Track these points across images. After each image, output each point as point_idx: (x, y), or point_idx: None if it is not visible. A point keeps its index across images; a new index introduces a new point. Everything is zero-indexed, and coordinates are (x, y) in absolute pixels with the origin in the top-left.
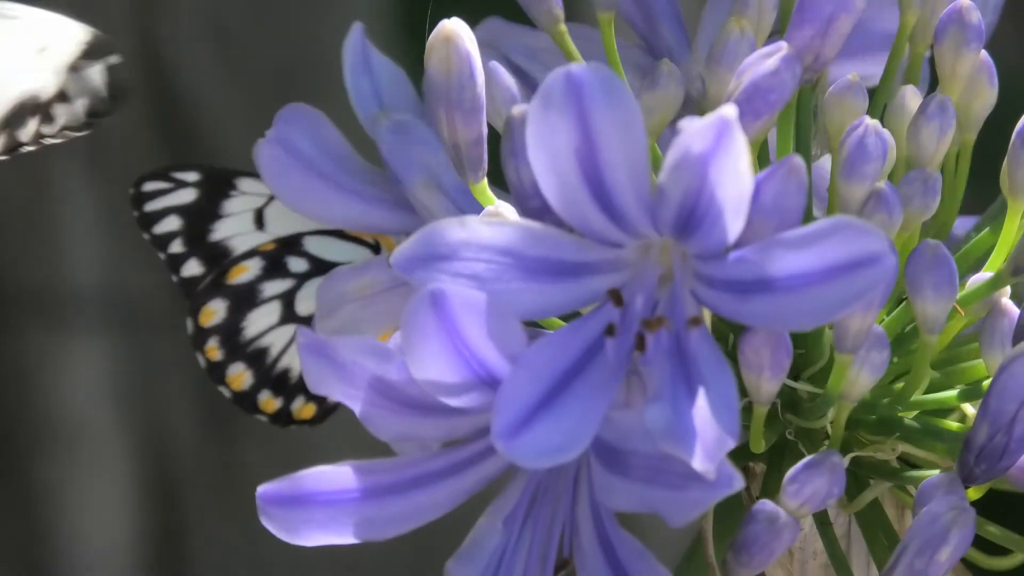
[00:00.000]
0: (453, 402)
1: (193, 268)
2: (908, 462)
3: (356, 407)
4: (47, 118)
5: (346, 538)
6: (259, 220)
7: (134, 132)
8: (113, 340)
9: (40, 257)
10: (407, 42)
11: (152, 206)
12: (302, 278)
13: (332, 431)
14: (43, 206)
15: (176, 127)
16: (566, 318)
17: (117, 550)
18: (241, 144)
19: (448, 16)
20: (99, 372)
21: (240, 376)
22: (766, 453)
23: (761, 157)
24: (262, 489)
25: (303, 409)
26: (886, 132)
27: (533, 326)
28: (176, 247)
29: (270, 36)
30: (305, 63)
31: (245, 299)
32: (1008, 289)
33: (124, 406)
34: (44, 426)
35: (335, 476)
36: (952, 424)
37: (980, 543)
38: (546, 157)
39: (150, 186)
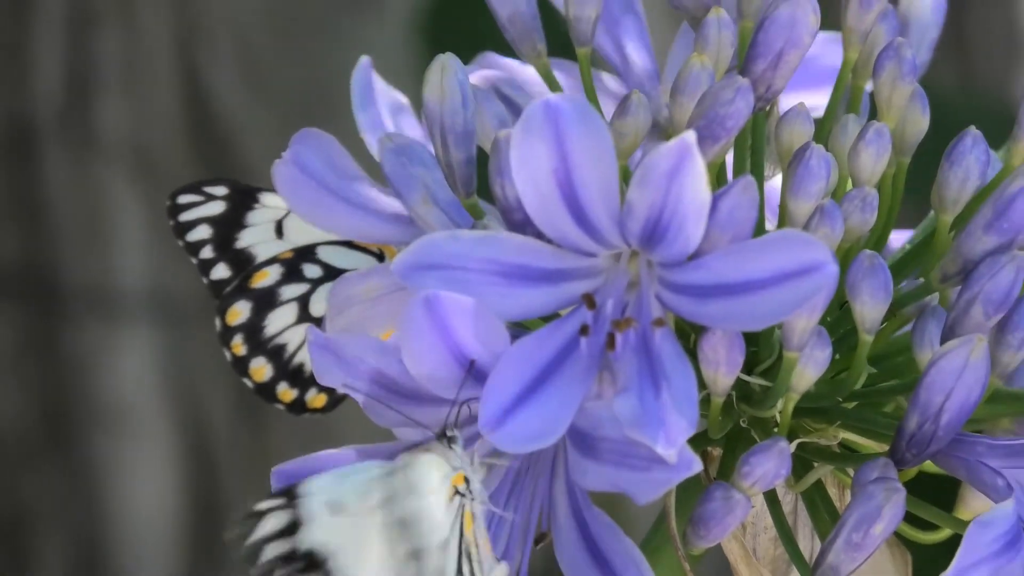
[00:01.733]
0: (444, 394)
1: (221, 272)
2: (847, 447)
3: (359, 398)
4: None
5: None
6: (279, 230)
7: (174, 149)
8: (158, 333)
9: (95, 260)
10: (416, 71)
11: (186, 216)
12: (316, 283)
13: (350, 417)
14: (98, 216)
15: (210, 144)
16: (545, 320)
17: (160, 517)
18: (267, 159)
19: (448, 50)
20: (145, 361)
21: (261, 369)
22: (722, 439)
23: (719, 176)
24: (276, 469)
25: (315, 399)
26: (830, 155)
27: (516, 326)
28: (206, 253)
29: (294, 65)
30: (325, 88)
31: (266, 301)
32: (937, 295)
33: (167, 391)
34: (97, 408)
35: (340, 459)
36: (886, 413)
37: (911, 519)
38: (527, 176)
39: (184, 199)
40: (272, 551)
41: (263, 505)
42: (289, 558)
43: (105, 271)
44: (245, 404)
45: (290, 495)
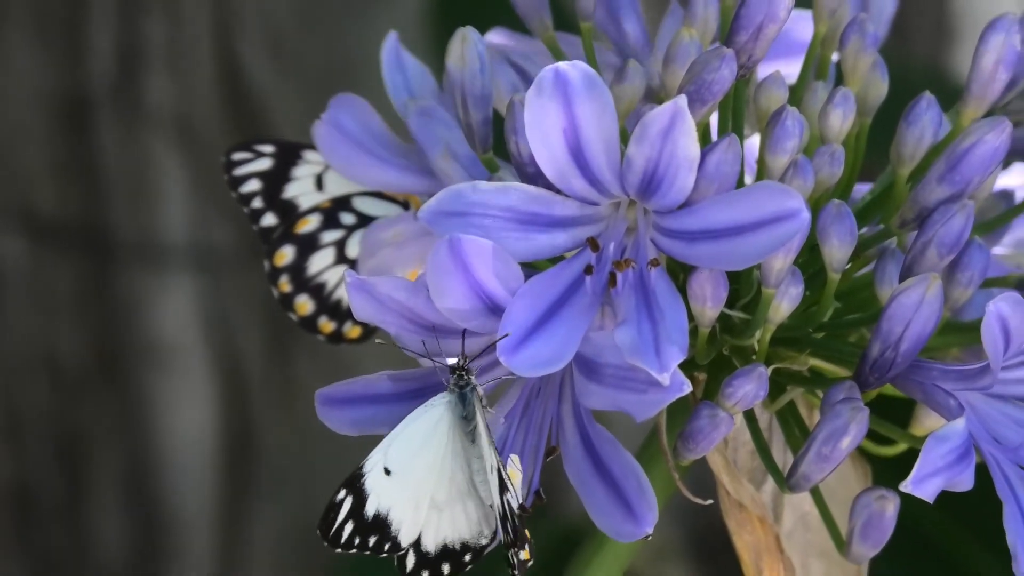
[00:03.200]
0: (466, 325)
1: (269, 220)
2: (817, 372)
3: (391, 330)
4: None
5: (382, 430)
6: (319, 183)
7: (211, 120)
8: (197, 279)
9: (143, 216)
10: (434, 46)
11: (238, 171)
12: (351, 229)
13: (366, 352)
14: (145, 178)
15: (242, 115)
16: (553, 261)
17: (199, 440)
18: (292, 128)
19: (465, 25)
20: (186, 304)
21: (304, 304)
22: (708, 365)
23: (705, 135)
24: (320, 392)
25: (351, 331)
26: (802, 116)
27: (528, 267)
28: (256, 203)
29: (316, 45)
30: (344, 65)
31: (308, 245)
32: (895, 239)
33: (205, 330)
34: (144, 345)
35: (375, 382)
36: (851, 343)
37: (872, 436)
38: (539, 134)
39: (237, 156)
40: (348, 529)
41: (338, 498)
42: (361, 530)
43: (151, 225)
44: (274, 342)
45: (353, 480)
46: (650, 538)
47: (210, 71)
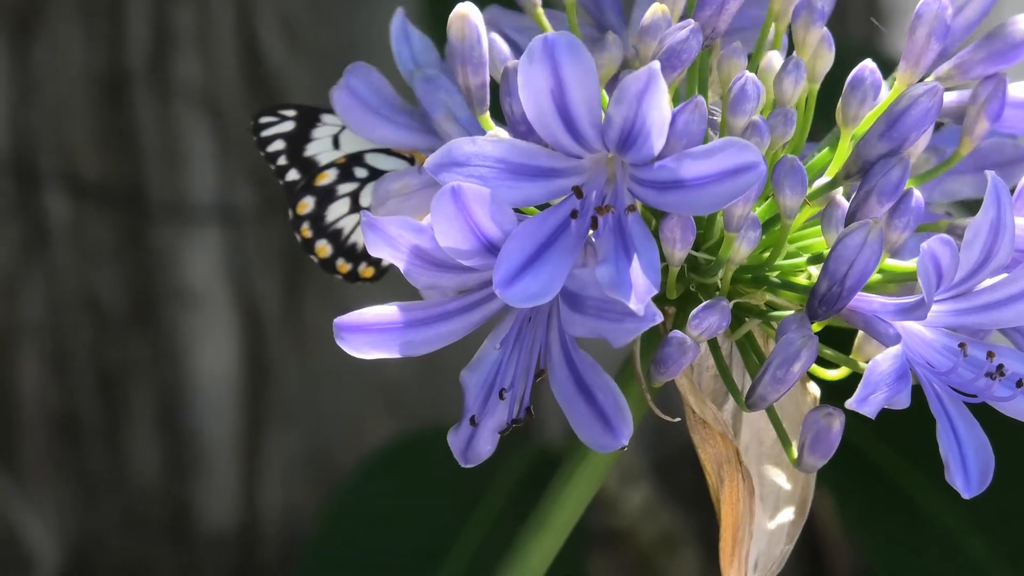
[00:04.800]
0: (466, 262)
1: (293, 175)
2: (772, 306)
3: (400, 266)
4: None
5: (393, 354)
6: (335, 142)
7: (233, 95)
8: (222, 233)
9: (174, 178)
10: (435, 21)
11: (265, 133)
12: (364, 182)
13: (368, 297)
14: (176, 145)
15: (260, 91)
16: (542, 207)
17: (224, 374)
18: (305, 100)
19: (450, 10)
20: (212, 255)
21: (324, 248)
22: (677, 300)
23: (675, 98)
24: (338, 320)
25: (365, 271)
26: (759, 82)
27: (520, 212)
28: (281, 161)
29: (326, 29)
30: (351, 46)
31: (327, 196)
32: (841, 188)
33: (229, 278)
34: (176, 290)
35: (387, 312)
36: (802, 280)
37: (819, 361)
38: (530, 95)
39: (264, 119)
40: None
41: None
42: None
43: (182, 186)
44: (289, 288)
45: None
46: (626, 449)
47: (232, 51)
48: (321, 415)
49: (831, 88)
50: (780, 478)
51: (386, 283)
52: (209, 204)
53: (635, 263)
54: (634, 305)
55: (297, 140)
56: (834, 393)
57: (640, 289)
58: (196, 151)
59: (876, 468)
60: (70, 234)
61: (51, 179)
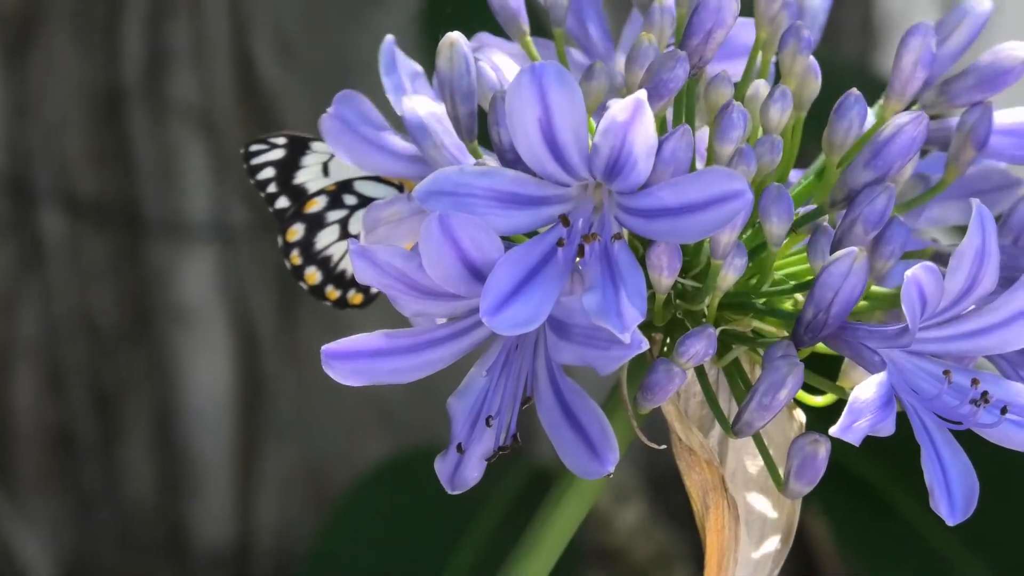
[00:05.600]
0: (454, 290)
1: (282, 202)
2: (759, 333)
3: (388, 293)
4: None
5: (381, 381)
6: (325, 170)
7: (228, 111)
8: (216, 251)
9: (169, 195)
10: (431, 44)
11: (255, 160)
12: (353, 209)
13: (365, 318)
14: (171, 162)
15: (255, 108)
16: (529, 235)
17: (217, 390)
18: (298, 119)
19: (453, 29)
20: (207, 272)
21: (313, 275)
22: (664, 326)
23: (662, 126)
24: (325, 348)
25: (354, 297)
26: (746, 110)
27: (507, 240)
28: (271, 188)
29: (320, 47)
30: (344, 65)
31: (316, 223)
32: (827, 216)
33: (223, 295)
34: (171, 307)
35: (374, 339)
36: (788, 307)
37: (805, 387)
38: (518, 124)
39: (253, 147)
40: None
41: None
42: None
43: (177, 203)
44: (283, 305)
45: None
46: (612, 476)
47: (227, 69)
48: (315, 432)
49: (823, 109)
50: (766, 505)
51: (382, 304)
52: (204, 222)
53: (622, 291)
54: (620, 333)
55: (287, 167)
56: (821, 418)
57: (626, 317)
58: (191, 169)
59: (868, 486)
60: (65, 251)
61: (46, 197)
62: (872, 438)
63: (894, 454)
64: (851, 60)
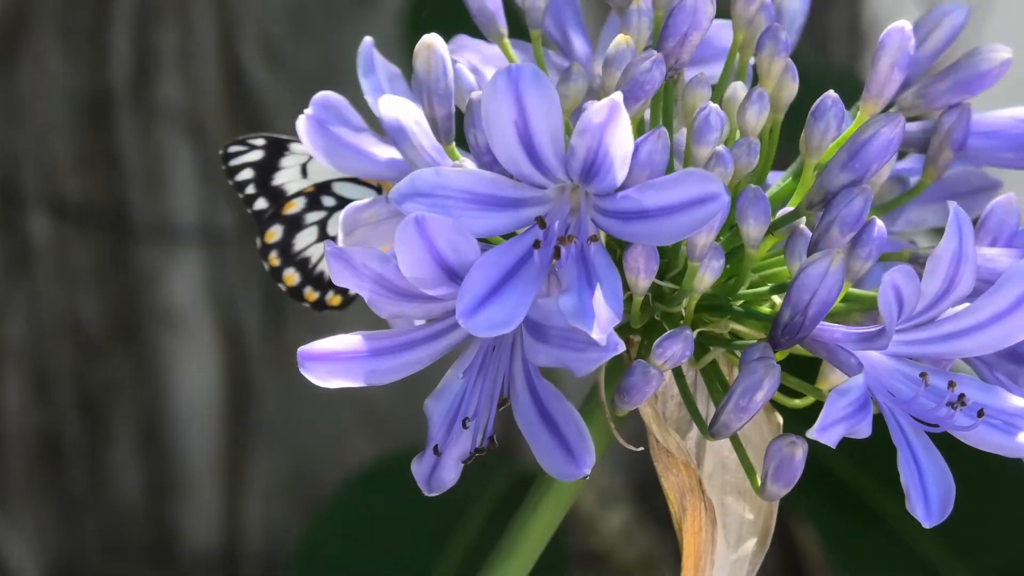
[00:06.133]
0: (430, 292)
1: (261, 204)
2: (736, 335)
3: (365, 295)
4: None
5: (358, 383)
6: (304, 171)
7: (216, 115)
8: (204, 255)
9: (157, 199)
10: (409, 49)
11: (234, 162)
12: (332, 210)
13: (352, 321)
14: (159, 166)
15: (243, 111)
16: (506, 236)
17: (205, 394)
18: (286, 122)
19: (431, 31)
20: (194, 276)
21: (292, 276)
22: (641, 328)
23: (639, 128)
24: (301, 349)
25: (332, 299)
26: (723, 112)
27: (483, 241)
28: (250, 190)
29: (306, 51)
30: (331, 68)
31: (295, 225)
32: (804, 218)
33: (210, 298)
34: (158, 311)
35: (351, 341)
36: (765, 309)
37: (783, 389)
38: (494, 126)
39: (232, 149)
40: None
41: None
42: None
43: (164, 207)
44: (271, 309)
45: None
46: (588, 478)
47: (215, 73)
48: (303, 435)
49: (807, 111)
50: (743, 507)
51: (368, 307)
52: (191, 225)
53: (598, 292)
54: (596, 334)
55: (266, 169)
56: (796, 420)
57: (602, 318)
58: (178, 172)
59: (854, 491)
60: (52, 255)
61: (34, 200)
62: (857, 443)
63: (879, 459)
64: (838, 63)
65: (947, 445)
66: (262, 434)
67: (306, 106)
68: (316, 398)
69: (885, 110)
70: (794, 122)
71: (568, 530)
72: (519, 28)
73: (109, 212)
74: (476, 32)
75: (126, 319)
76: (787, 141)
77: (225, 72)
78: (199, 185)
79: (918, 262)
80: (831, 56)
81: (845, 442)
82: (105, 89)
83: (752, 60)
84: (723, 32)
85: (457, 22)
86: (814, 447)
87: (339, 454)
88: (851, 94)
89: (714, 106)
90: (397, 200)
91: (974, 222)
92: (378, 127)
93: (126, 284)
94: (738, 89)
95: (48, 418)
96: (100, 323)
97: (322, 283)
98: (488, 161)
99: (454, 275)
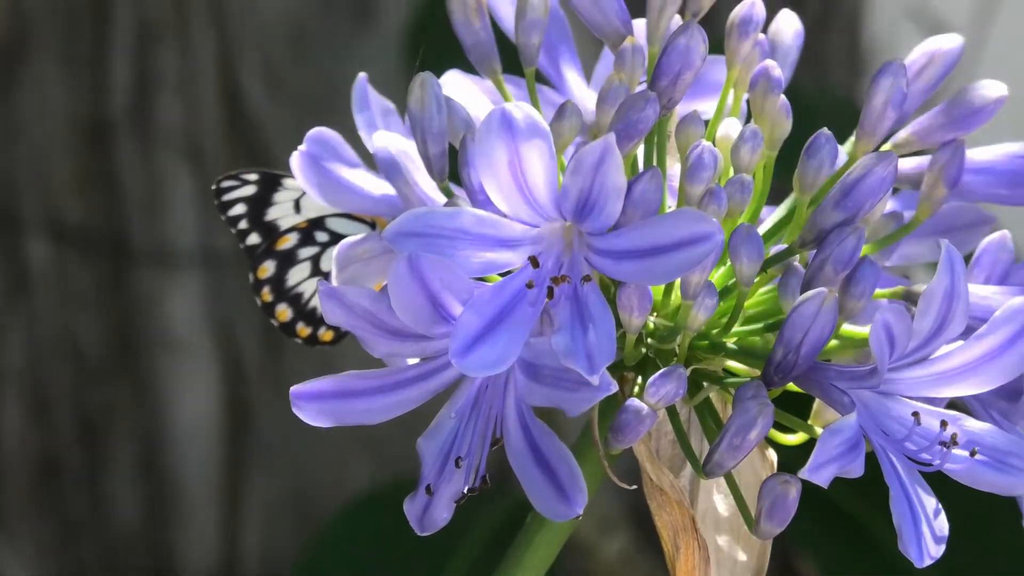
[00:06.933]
0: (423, 331)
1: (254, 239)
2: (730, 372)
3: (357, 333)
4: None
5: (350, 422)
6: (297, 206)
7: (215, 138)
8: (204, 279)
9: (156, 222)
10: (407, 77)
11: (227, 197)
12: (325, 246)
13: (349, 351)
14: (158, 189)
15: (241, 134)
16: (499, 275)
17: (204, 420)
18: (284, 146)
19: (436, 57)
20: (194, 300)
21: (284, 312)
22: (634, 366)
23: (632, 166)
24: (294, 389)
25: (325, 334)
26: (716, 150)
27: (476, 280)
28: (243, 224)
29: (306, 75)
30: (330, 93)
31: (287, 260)
32: (797, 257)
33: (210, 323)
34: (157, 335)
35: (343, 380)
36: (759, 345)
37: (776, 426)
38: (488, 166)
39: (225, 183)
40: None
41: None
42: None
43: (163, 231)
44: (270, 335)
45: None
46: (580, 519)
47: (214, 97)
48: (301, 459)
49: (803, 143)
50: (737, 547)
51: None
52: (190, 249)
53: (591, 332)
54: (589, 374)
55: (259, 204)
56: (790, 458)
57: (595, 359)
58: (177, 196)
59: (851, 518)
60: (51, 279)
61: (33, 224)
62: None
63: (875, 484)
64: (836, 91)
65: (941, 479)
66: (261, 457)
67: (306, 131)
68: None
69: (880, 146)
70: (790, 154)
71: (567, 556)
72: (514, 62)
73: (108, 236)
74: (469, 68)
75: (125, 342)
76: (783, 172)
77: (225, 96)
78: (198, 209)
79: (911, 299)
80: (830, 79)
81: None
82: (104, 113)
83: (746, 96)
84: (716, 68)
85: (457, 49)
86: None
87: (338, 478)
88: (849, 122)
89: (707, 144)
90: (390, 239)
91: (968, 258)
92: (372, 163)
93: (125, 308)
94: (731, 126)
95: (47, 441)
96: (99, 346)
97: (314, 319)
98: (482, 200)
99: (447, 314)
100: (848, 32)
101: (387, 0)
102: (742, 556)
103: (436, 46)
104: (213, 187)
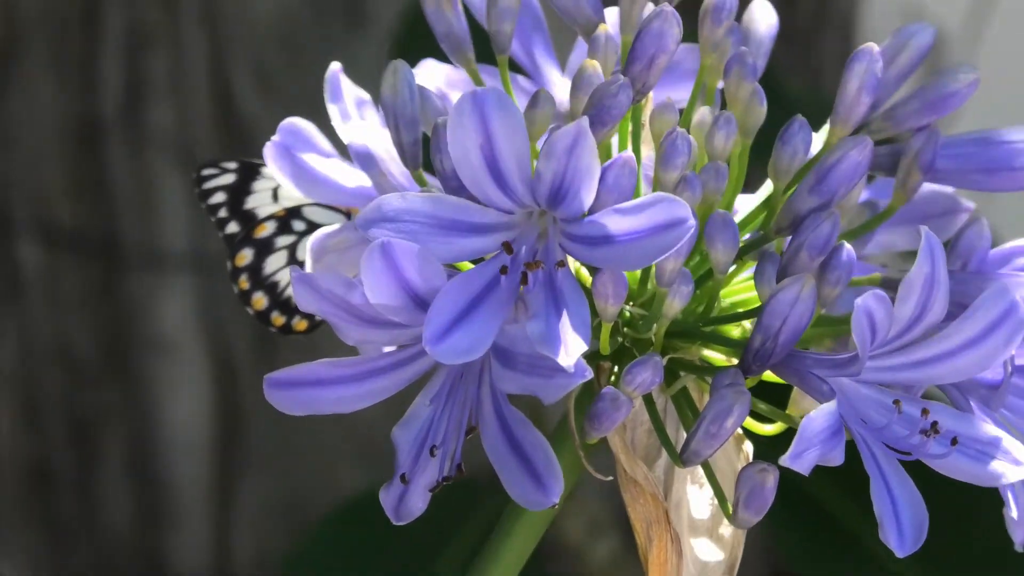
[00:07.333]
0: (396, 318)
1: (232, 227)
2: (707, 360)
3: (330, 320)
4: None
5: (324, 410)
6: (275, 196)
7: (206, 141)
8: (194, 282)
9: (147, 225)
10: None
11: (207, 185)
12: (302, 235)
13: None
14: (149, 192)
15: (233, 137)
16: (473, 262)
17: (195, 423)
18: None
19: (417, 57)
20: (185, 303)
21: (260, 300)
22: (610, 355)
23: (608, 153)
24: (267, 376)
25: (299, 324)
26: (691, 137)
27: (450, 267)
28: (222, 213)
29: (298, 76)
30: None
31: (265, 248)
32: (773, 243)
33: (201, 326)
34: (148, 338)
35: (317, 368)
36: (735, 334)
37: (754, 415)
38: (460, 151)
39: (205, 172)
40: None
41: None
42: None
43: (154, 234)
44: (261, 337)
45: None
46: (556, 507)
47: (206, 99)
48: (294, 462)
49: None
50: (711, 539)
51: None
52: (182, 252)
53: (565, 319)
54: (564, 361)
55: (238, 193)
56: (766, 447)
57: (570, 345)
58: (169, 200)
59: (824, 510)
60: (42, 282)
61: (24, 227)
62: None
63: (853, 478)
64: (830, 93)
65: (919, 465)
66: (253, 461)
67: None
68: (307, 425)
69: (854, 133)
70: (762, 147)
71: (556, 559)
72: (491, 52)
73: (99, 239)
74: (443, 56)
75: (117, 346)
76: (759, 164)
77: (216, 98)
78: (190, 212)
79: (890, 286)
80: (823, 83)
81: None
82: (95, 116)
83: (720, 84)
84: (691, 56)
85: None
86: (790, 470)
87: (330, 481)
88: None
89: (681, 130)
90: (363, 226)
91: (945, 246)
92: (346, 152)
93: (116, 311)
94: (706, 114)
95: (38, 445)
96: (90, 350)
97: (289, 308)
98: (455, 186)
99: (420, 301)
100: (843, 32)
101: (379, 2)
102: (717, 546)
103: (427, 46)
104: (193, 175)
